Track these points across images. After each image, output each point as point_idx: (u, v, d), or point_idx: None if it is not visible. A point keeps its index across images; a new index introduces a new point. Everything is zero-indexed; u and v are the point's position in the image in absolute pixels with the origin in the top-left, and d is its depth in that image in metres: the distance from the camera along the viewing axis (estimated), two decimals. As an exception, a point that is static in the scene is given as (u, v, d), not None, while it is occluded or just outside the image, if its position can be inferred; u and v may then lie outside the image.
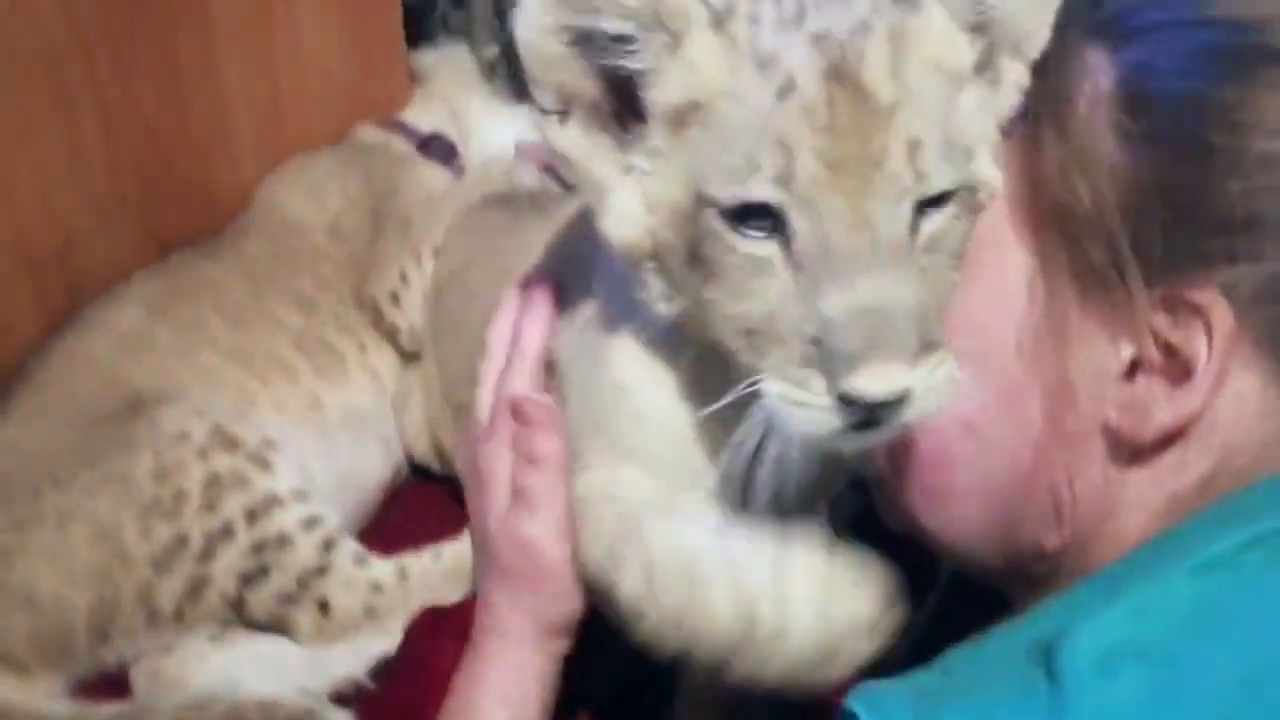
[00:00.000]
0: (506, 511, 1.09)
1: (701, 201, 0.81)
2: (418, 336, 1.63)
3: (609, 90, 0.86)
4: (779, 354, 0.80)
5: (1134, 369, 0.83)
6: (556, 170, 1.60)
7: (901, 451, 0.95)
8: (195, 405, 1.47)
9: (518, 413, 1.08)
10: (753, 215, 0.79)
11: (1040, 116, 0.87)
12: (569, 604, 1.07)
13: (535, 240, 1.26)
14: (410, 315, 1.62)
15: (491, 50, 1.96)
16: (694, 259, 0.85)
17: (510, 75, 1.92)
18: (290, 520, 1.45)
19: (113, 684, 1.44)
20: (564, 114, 0.87)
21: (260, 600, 1.43)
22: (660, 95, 0.83)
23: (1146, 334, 0.81)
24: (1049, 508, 0.88)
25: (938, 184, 0.79)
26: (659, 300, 0.91)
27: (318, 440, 1.57)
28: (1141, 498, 0.84)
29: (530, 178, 1.76)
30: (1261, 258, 0.78)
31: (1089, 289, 0.84)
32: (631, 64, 0.83)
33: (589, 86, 0.86)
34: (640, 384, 0.99)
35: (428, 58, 1.94)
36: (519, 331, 1.11)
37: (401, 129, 1.82)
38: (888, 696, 0.75)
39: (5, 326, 1.60)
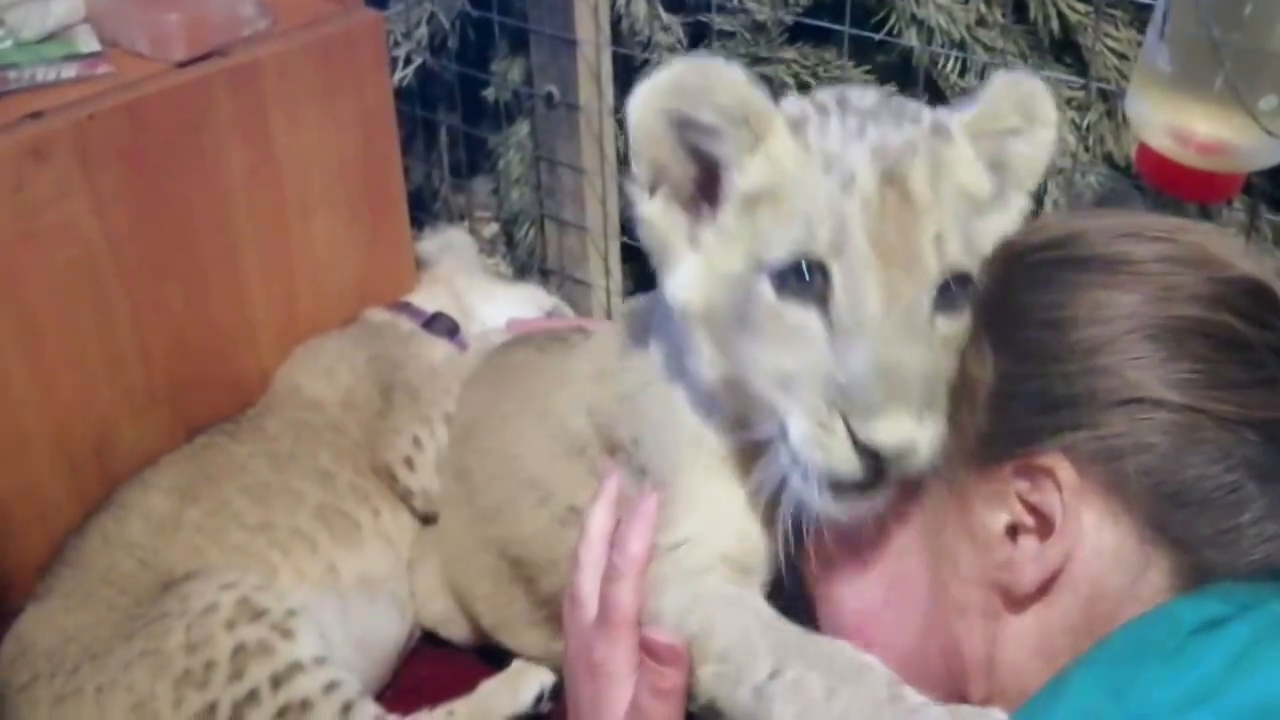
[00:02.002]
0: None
1: (759, 267, 0.97)
2: (432, 499, 1.72)
3: (695, 172, 1.04)
4: (808, 399, 0.95)
5: (1013, 531, 0.96)
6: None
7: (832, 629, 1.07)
8: (223, 579, 1.57)
9: (650, 650, 1.07)
10: (799, 282, 0.95)
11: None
12: None
13: (564, 362, 1.41)
14: (424, 479, 1.72)
15: (492, 228, 2.13)
16: (741, 321, 1.00)
17: (510, 250, 2.08)
18: (313, 685, 1.51)
19: None
20: (654, 189, 1.05)
21: (285, 763, 1.50)
22: (740, 180, 1.01)
23: (1014, 499, 0.95)
24: (957, 666, 0.99)
25: (958, 267, 0.96)
26: (704, 363, 1.06)
27: (335, 606, 1.65)
28: (1029, 645, 0.95)
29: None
30: (1094, 424, 0.92)
31: (960, 477, 0.98)
32: (718, 150, 1.01)
33: (679, 165, 1.04)
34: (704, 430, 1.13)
35: (430, 244, 2.10)
36: (626, 538, 1.12)
37: (406, 309, 1.96)
38: None
39: (46, 515, 1.71)
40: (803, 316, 0.96)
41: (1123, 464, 0.91)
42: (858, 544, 1.05)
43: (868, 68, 1.87)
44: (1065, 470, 0.91)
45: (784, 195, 0.97)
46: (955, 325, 0.99)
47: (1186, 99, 1.31)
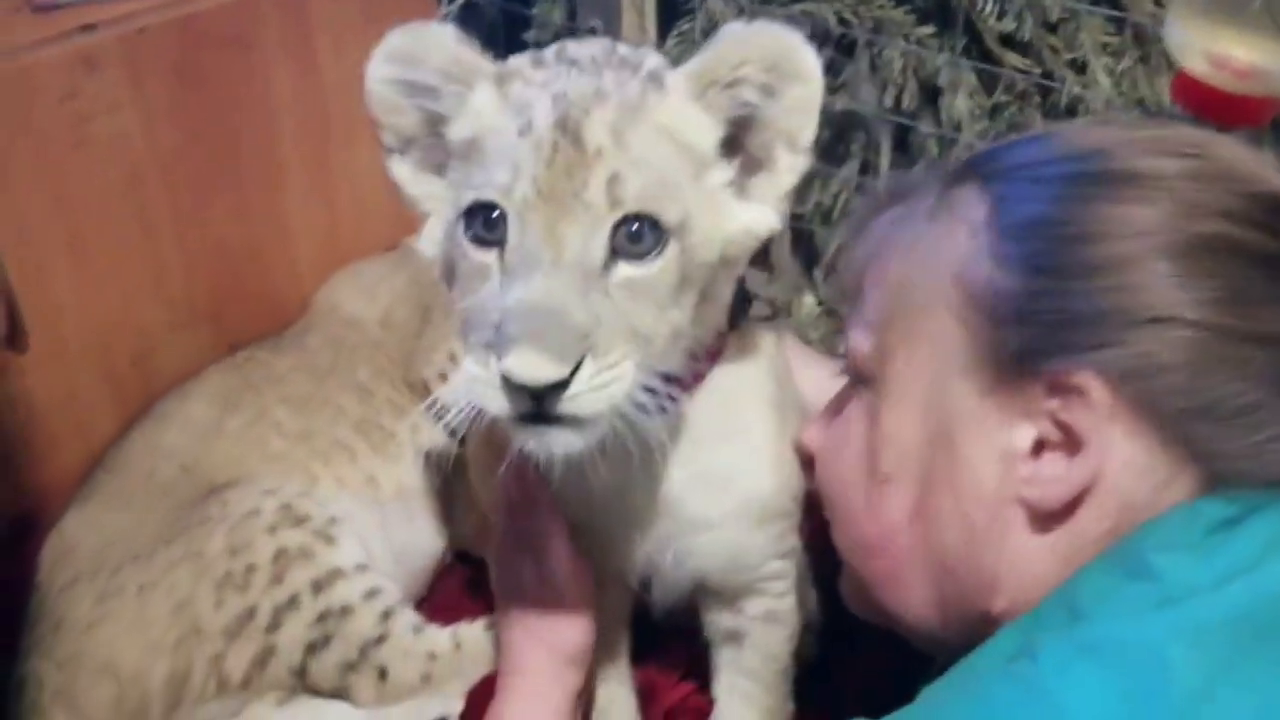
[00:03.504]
0: (511, 558, 1.25)
1: (457, 215, 1.00)
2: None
3: (430, 132, 1.08)
4: (475, 338, 0.97)
5: (1039, 448, 0.96)
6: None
7: (855, 546, 1.10)
8: (265, 485, 1.58)
9: (516, 472, 1.21)
10: (485, 226, 0.98)
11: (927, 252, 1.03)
12: (582, 626, 1.22)
13: None
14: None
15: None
16: (451, 269, 1.04)
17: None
18: (353, 591, 1.52)
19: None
20: (401, 153, 1.10)
21: (323, 668, 1.50)
22: (452, 134, 1.05)
23: (1043, 416, 0.95)
24: (985, 577, 1.00)
25: (635, 208, 0.95)
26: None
27: (375, 515, 1.66)
28: (1059, 556, 0.97)
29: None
30: (1122, 343, 0.92)
31: (987, 389, 0.98)
32: (440, 108, 1.06)
33: (417, 128, 1.08)
34: None
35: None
36: None
37: (445, 241, 1.97)
38: None
39: (84, 426, 1.73)
40: (485, 257, 0.98)
41: (1152, 381, 0.92)
42: (874, 462, 1.06)
43: (908, 8, 1.90)
44: (1098, 388, 0.92)
45: (482, 144, 1.00)
46: (644, 270, 0.97)
47: (1224, 23, 1.35)
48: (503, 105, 1.01)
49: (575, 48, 1.05)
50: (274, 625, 1.50)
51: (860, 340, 1.08)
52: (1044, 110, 1.88)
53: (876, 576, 1.09)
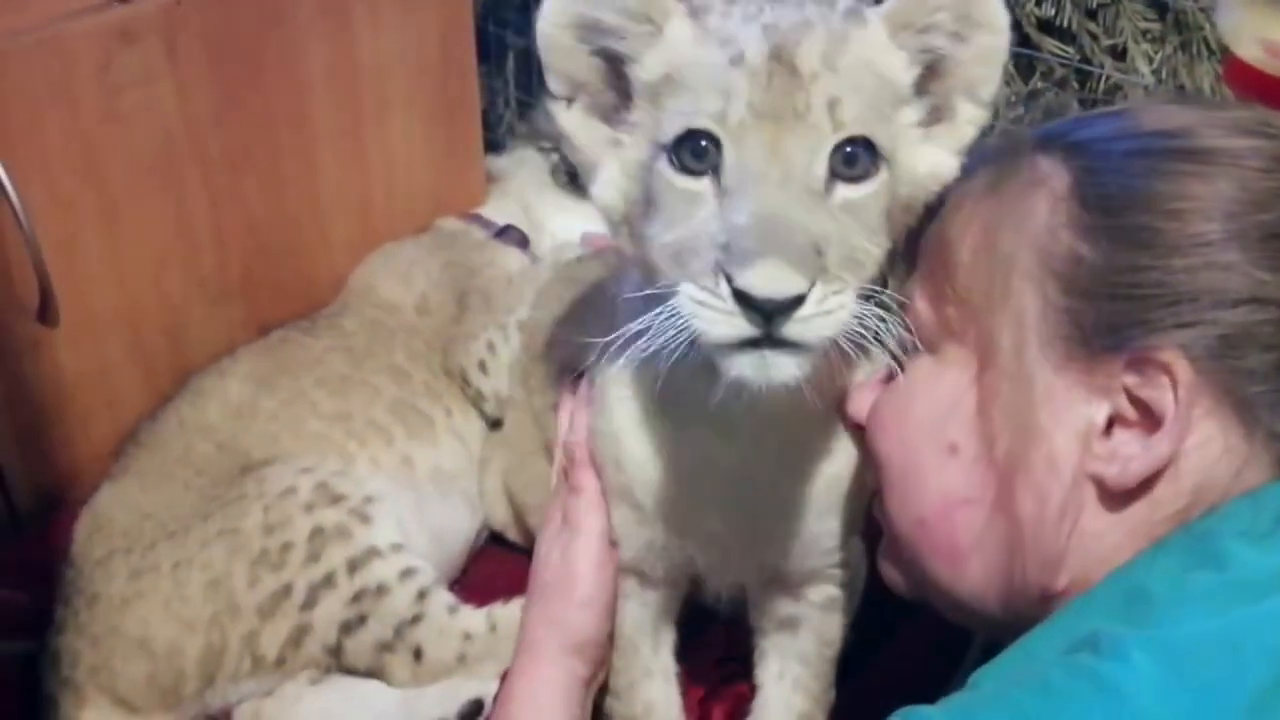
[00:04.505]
0: (555, 534, 1.27)
1: (657, 149, 0.98)
2: (502, 403, 1.72)
3: (607, 76, 1.04)
4: (696, 265, 0.93)
5: (1111, 424, 0.95)
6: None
7: (911, 517, 1.07)
8: (302, 464, 1.57)
9: (567, 452, 1.28)
10: (694, 155, 0.95)
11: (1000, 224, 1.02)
12: (591, 617, 1.24)
13: None
14: (496, 383, 1.72)
15: (553, 157, 2.14)
16: (648, 205, 1.01)
17: (570, 177, 2.08)
18: (388, 571, 1.51)
19: (216, 725, 1.51)
20: (570, 100, 1.06)
21: (358, 648, 1.50)
22: (642, 73, 1.01)
23: (1120, 393, 0.94)
24: (1051, 554, 0.98)
25: (854, 130, 0.95)
26: (629, 263, 1.09)
27: (410, 496, 1.65)
28: (1127, 534, 0.95)
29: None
30: (1208, 322, 0.91)
31: (1063, 363, 0.97)
32: (625, 49, 1.02)
33: (590, 72, 1.04)
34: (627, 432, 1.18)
35: (502, 161, 2.12)
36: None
37: (478, 220, 1.97)
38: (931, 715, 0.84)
39: (115, 401, 1.72)
40: (695, 185, 0.96)
41: (1234, 362, 0.91)
42: (940, 432, 1.04)
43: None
44: (1182, 366, 0.91)
45: (681, 79, 0.98)
46: (860, 192, 0.97)
47: (1276, 9, 1.33)
48: (703, 38, 0.98)
49: None
50: (309, 603, 1.49)
51: (928, 308, 1.07)
52: (1081, 97, 1.87)
53: (933, 549, 1.06)
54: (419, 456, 1.69)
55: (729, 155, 0.94)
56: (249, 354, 1.73)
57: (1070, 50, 1.86)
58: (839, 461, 1.17)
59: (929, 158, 1.05)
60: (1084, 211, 0.97)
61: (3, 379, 1.62)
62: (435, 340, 1.78)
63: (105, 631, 1.47)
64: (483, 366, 1.74)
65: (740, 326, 0.90)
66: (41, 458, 1.68)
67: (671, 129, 0.96)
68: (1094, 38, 1.84)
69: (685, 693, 1.40)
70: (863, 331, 0.95)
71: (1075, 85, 1.87)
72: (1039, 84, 1.88)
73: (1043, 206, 0.99)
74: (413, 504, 1.65)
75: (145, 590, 1.48)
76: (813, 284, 0.90)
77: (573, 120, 1.07)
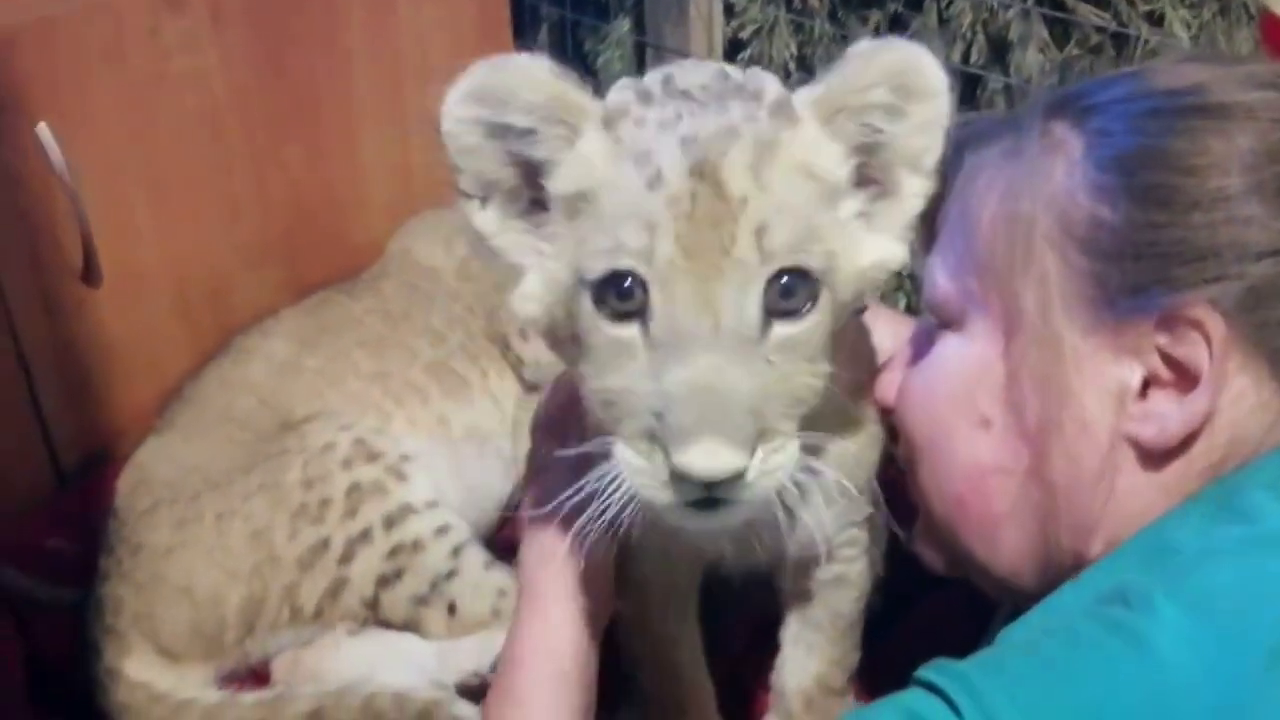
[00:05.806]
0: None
1: (580, 283, 0.89)
2: (542, 369, 1.74)
3: (522, 178, 0.94)
4: (631, 426, 0.87)
5: (1146, 385, 0.94)
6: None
7: (945, 492, 1.07)
8: (341, 420, 1.60)
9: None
10: (619, 297, 0.87)
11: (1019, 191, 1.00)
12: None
13: None
14: (536, 349, 1.74)
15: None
16: (574, 337, 0.93)
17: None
18: (424, 527, 1.54)
19: (254, 675, 1.54)
20: (484, 199, 0.95)
21: (394, 601, 1.52)
22: (558, 184, 0.92)
23: (1153, 353, 0.93)
24: (1086, 519, 0.98)
25: (786, 261, 0.86)
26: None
27: (446, 454, 1.68)
28: (1161, 493, 0.95)
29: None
30: (1236, 275, 0.91)
31: (1091, 327, 0.96)
32: (536, 153, 0.92)
33: (504, 174, 0.94)
34: None
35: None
36: None
37: (519, 189, 1.98)
38: (966, 670, 0.84)
39: (159, 360, 1.75)
40: (624, 333, 0.88)
41: (1264, 314, 0.91)
42: (971, 405, 1.04)
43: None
44: (1215, 322, 0.90)
45: (598, 198, 0.88)
46: (799, 328, 0.88)
47: (1316, -31, 1.33)
48: (617, 152, 0.88)
49: (682, 75, 0.93)
50: (347, 557, 1.52)
51: (949, 281, 1.06)
52: (1118, 65, 1.86)
53: (968, 522, 1.07)
54: (454, 416, 1.72)
55: (656, 301, 0.86)
56: (292, 314, 1.77)
57: (1106, 16, 1.85)
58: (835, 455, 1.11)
59: (873, 250, 0.96)
60: (1101, 173, 0.96)
61: (49, 338, 1.66)
62: (477, 304, 1.81)
63: (149, 579, 1.50)
64: (523, 333, 1.76)
65: (681, 493, 0.85)
66: (86, 416, 1.72)
67: (595, 267, 0.87)
68: (1130, 3, 1.83)
69: (714, 657, 1.40)
70: (801, 479, 0.90)
71: (1112, 52, 1.86)
72: (1074, 51, 1.87)
73: (1060, 170, 0.99)
74: (448, 462, 1.68)
75: (189, 539, 1.52)
76: (753, 453, 0.85)
77: (488, 221, 0.96)
